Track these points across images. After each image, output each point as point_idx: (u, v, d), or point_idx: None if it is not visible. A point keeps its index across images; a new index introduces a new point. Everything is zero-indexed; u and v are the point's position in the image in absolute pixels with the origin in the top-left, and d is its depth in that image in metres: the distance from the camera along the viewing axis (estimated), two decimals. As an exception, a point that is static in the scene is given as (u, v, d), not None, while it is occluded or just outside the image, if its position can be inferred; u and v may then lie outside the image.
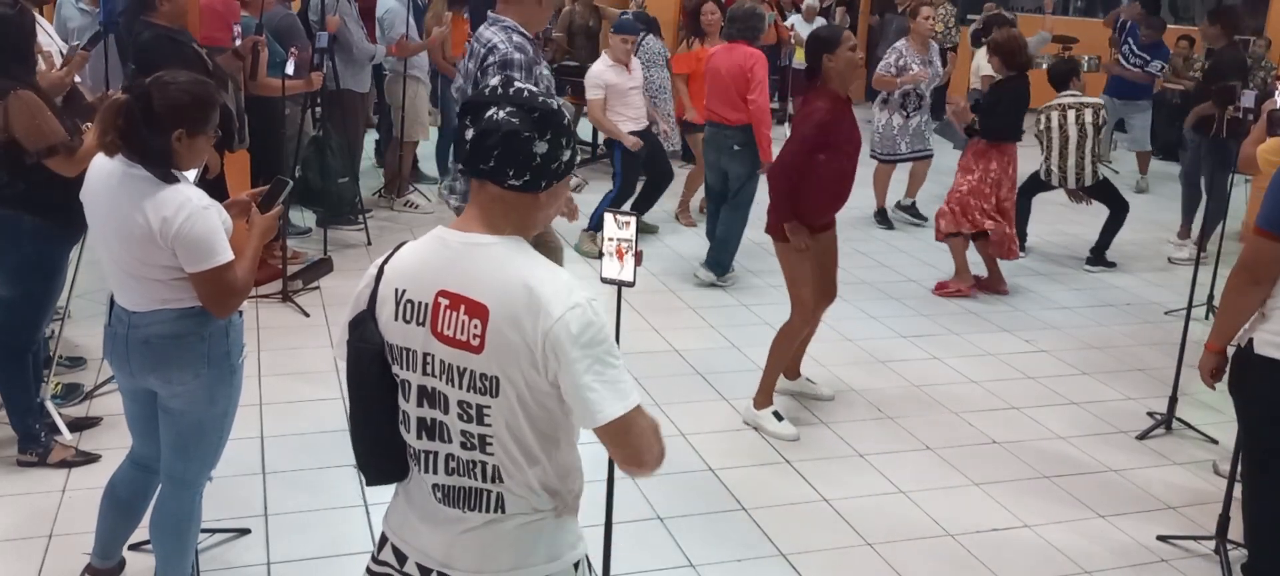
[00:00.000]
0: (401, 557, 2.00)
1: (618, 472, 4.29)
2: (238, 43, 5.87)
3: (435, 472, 1.92)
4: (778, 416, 4.63)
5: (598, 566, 3.58)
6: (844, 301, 6.35)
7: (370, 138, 8.81)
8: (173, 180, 2.77)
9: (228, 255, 2.79)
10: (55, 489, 3.85)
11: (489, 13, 4.24)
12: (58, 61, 4.52)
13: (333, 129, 6.73)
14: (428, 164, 8.86)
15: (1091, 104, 7.37)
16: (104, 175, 2.83)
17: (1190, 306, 4.99)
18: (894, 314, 6.33)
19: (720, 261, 6.66)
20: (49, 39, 4.79)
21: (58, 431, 4.14)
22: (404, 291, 1.89)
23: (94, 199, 2.86)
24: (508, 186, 1.84)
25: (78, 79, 4.68)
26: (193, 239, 2.73)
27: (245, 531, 3.63)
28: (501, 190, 1.85)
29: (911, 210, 8.65)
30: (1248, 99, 5.95)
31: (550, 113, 1.85)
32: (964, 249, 6.72)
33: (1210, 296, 6.48)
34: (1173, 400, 4.86)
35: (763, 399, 4.66)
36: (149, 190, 2.74)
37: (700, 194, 8.30)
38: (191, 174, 3.02)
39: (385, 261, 1.97)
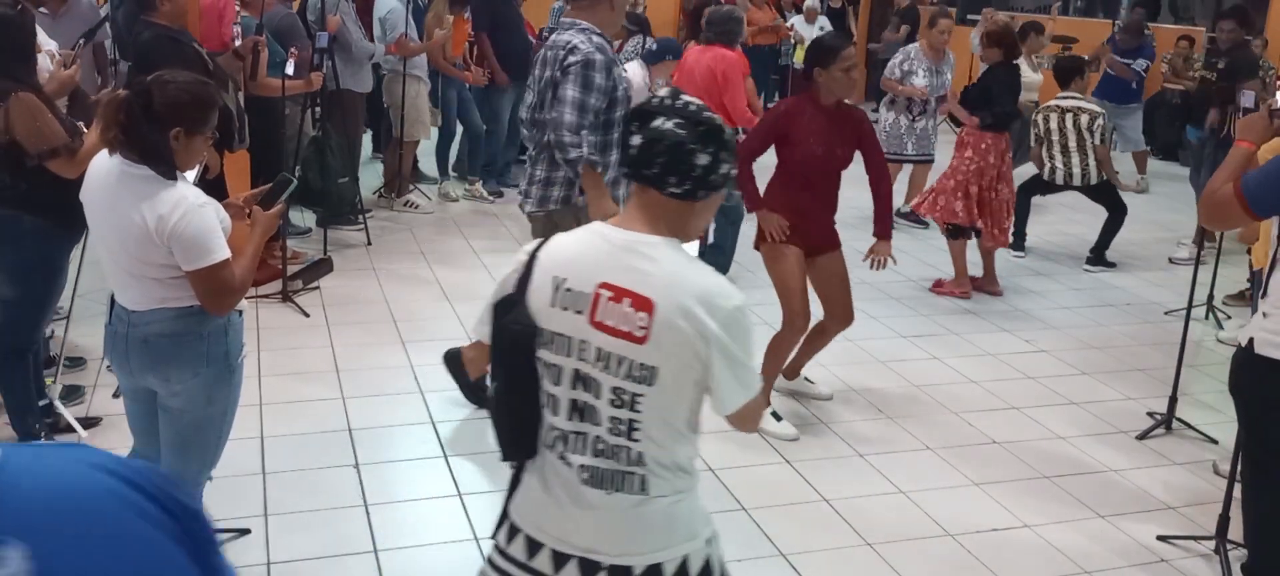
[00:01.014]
0: (534, 549, 2.07)
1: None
2: (238, 43, 5.86)
3: (583, 454, 2.01)
4: (777, 417, 4.63)
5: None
6: (844, 301, 6.37)
7: (368, 137, 8.82)
8: (171, 178, 2.78)
9: (224, 253, 2.79)
10: (55, 489, 3.84)
11: (561, 18, 4.27)
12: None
13: (333, 129, 6.73)
14: (426, 162, 8.86)
15: (1088, 109, 7.37)
16: (103, 174, 2.84)
17: (1190, 306, 4.99)
18: (894, 314, 6.32)
19: (716, 264, 6.65)
20: (47, 40, 4.78)
21: (59, 431, 4.14)
22: (563, 280, 2.00)
23: (93, 198, 2.87)
24: (668, 193, 1.99)
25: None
26: (189, 237, 2.73)
27: (245, 531, 3.63)
28: (662, 197, 1.99)
29: (911, 215, 8.65)
30: (1247, 99, 5.95)
31: (716, 127, 1.99)
32: (964, 252, 6.71)
33: (1210, 296, 6.49)
34: (1172, 400, 4.86)
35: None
36: (146, 189, 2.75)
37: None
38: (191, 173, 3.02)
39: (537, 249, 2.09)
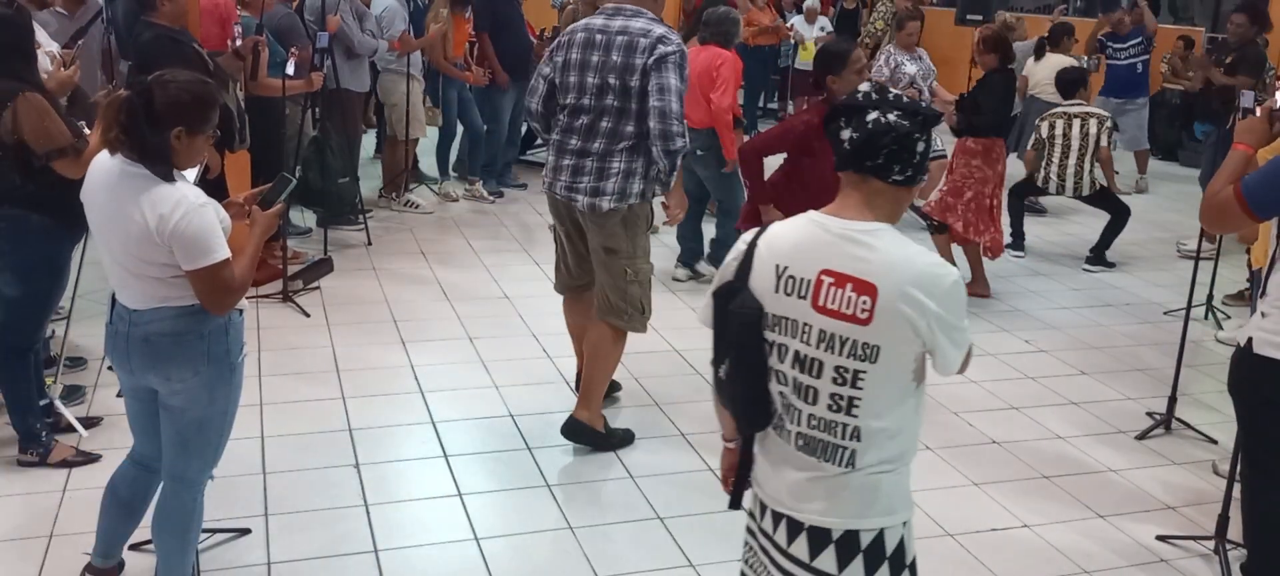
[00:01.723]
0: (763, 509, 2.30)
1: (620, 472, 4.33)
2: (238, 43, 5.87)
3: (799, 425, 2.18)
4: (777, 416, 4.63)
5: (601, 564, 3.60)
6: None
7: (369, 136, 8.82)
8: (171, 178, 2.79)
9: (224, 253, 2.80)
10: (56, 488, 3.85)
11: (607, 5, 4.16)
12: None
13: (333, 129, 6.73)
14: (426, 162, 8.87)
15: (1097, 114, 7.39)
16: (103, 174, 2.85)
17: (1190, 306, 4.99)
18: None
19: (718, 258, 6.68)
20: (47, 39, 4.79)
21: (59, 430, 4.15)
22: (785, 267, 2.16)
23: (93, 198, 2.88)
24: (891, 181, 2.13)
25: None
26: (189, 236, 2.74)
27: (245, 531, 3.63)
28: (884, 184, 2.14)
29: (921, 212, 8.66)
30: (1247, 99, 5.95)
31: (931, 115, 2.16)
32: (948, 248, 6.67)
33: (1209, 296, 6.49)
34: (1172, 400, 4.86)
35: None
36: (147, 188, 2.76)
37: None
38: (191, 173, 3.02)
39: (755, 238, 2.24)
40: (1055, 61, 9.02)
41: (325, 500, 3.89)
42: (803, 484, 2.19)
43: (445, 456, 4.28)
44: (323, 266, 6.41)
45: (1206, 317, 6.44)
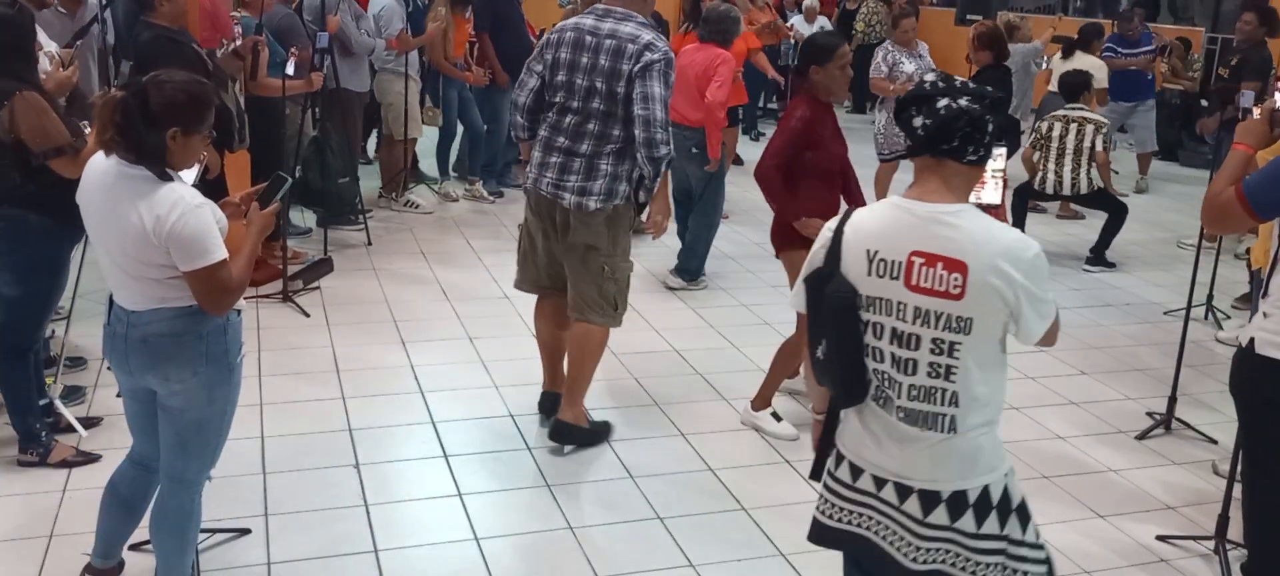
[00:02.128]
0: (856, 472, 2.45)
1: (620, 472, 4.32)
2: (237, 43, 5.87)
3: (900, 398, 2.34)
4: (776, 417, 4.63)
5: (601, 564, 3.59)
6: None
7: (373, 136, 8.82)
8: (167, 179, 2.79)
9: (221, 253, 2.80)
10: (56, 489, 3.85)
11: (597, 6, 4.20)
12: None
13: (333, 129, 6.73)
14: (426, 162, 8.87)
15: (1094, 120, 7.39)
16: (99, 175, 2.84)
17: (1189, 306, 4.99)
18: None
19: (687, 267, 6.61)
20: (47, 39, 4.79)
21: (59, 430, 4.14)
22: (876, 251, 2.32)
23: (89, 199, 2.87)
24: (966, 161, 2.31)
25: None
26: (186, 237, 2.74)
27: (245, 531, 3.63)
28: (959, 165, 2.31)
29: None
30: (1246, 99, 5.95)
31: (998, 99, 2.33)
32: None
33: (1209, 296, 6.49)
34: (1172, 400, 4.86)
35: (760, 402, 4.66)
36: (143, 189, 2.75)
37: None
38: (189, 174, 3.02)
39: (841, 226, 2.40)
40: (1086, 63, 9.00)
41: (325, 500, 3.88)
42: (909, 454, 2.36)
43: (445, 456, 4.28)
44: (323, 266, 6.41)
45: (1206, 317, 6.44)
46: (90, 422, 4.28)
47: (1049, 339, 2.35)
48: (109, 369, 4.60)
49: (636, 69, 4.01)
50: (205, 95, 2.86)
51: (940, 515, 2.35)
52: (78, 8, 5.66)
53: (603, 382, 5.07)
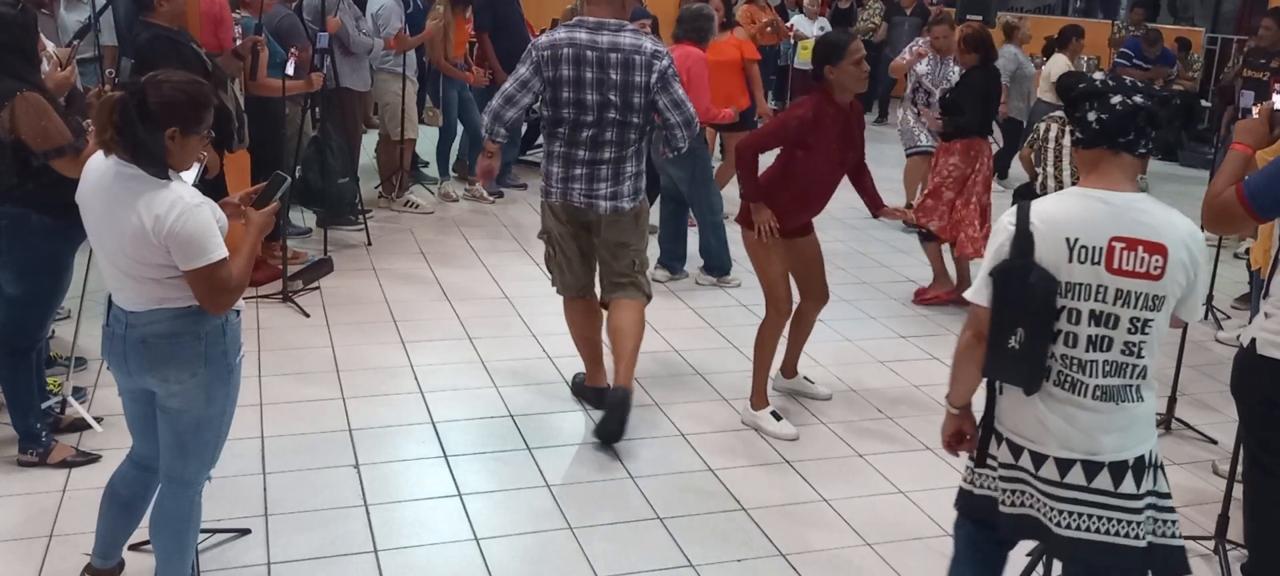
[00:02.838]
0: (1017, 451, 2.64)
1: (620, 472, 4.33)
2: (237, 43, 5.87)
3: (1095, 376, 2.54)
4: (776, 416, 4.63)
5: (601, 564, 3.59)
6: (845, 302, 6.37)
7: (370, 135, 8.81)
8: (166, 179, 2.79)
9: (221, 252, 2.80)
10: (55, 489, 3.85)
11: (578, 18, 4.36)
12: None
13: (333, 129, 6.73)
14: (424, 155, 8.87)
15: None
16: (98, 176, 2.84)
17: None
18: (894, 314, 6.33)
19: (715, 265, 6.66)
20: (46, 40, 4.79)
21: (59, 431, 4.14)
22: (1077, 239, 2.50)
23: (89, 200, 2.87)
24: (1138, 154, 2.55)
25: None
26: (185, 236, 2.74)
27: (245, 531, 3.63)
28: (1134, 157, 2.55)
29: (912, 221, 8.70)
30: (1246, 99, 5.94)
31: (1166, 97, 2.57)
32: (938, 254, 6.63)
33: (1209, 296, 6.49)
34: (1172, 400, 4.86)
35: (758, 399, 4.67)
36: (142, 189, 2.75)
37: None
38: (189, 174, 3.02)
39: (1023, 219, 2.55)
40: (1061, 63, 9.02)
41: (325, 500, 3.88)
42: (1103, 426, 2.54)
43: (445, 456, 4.28)
44: (323, 266, 6.41)
45: (1206, 318, 6.44)
46: (86, 424, 4.27)
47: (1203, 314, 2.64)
48: (109, 369, 4.62)
49: (655, 81, 4.28)
50: (203, 95, 2.86)
51: (1128, 484, 2.54)
52: (55, 7, 5.63)
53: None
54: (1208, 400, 5.23)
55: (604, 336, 4.70)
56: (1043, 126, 7.48)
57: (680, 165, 6.43)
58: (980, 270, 2.63)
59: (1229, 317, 6.47)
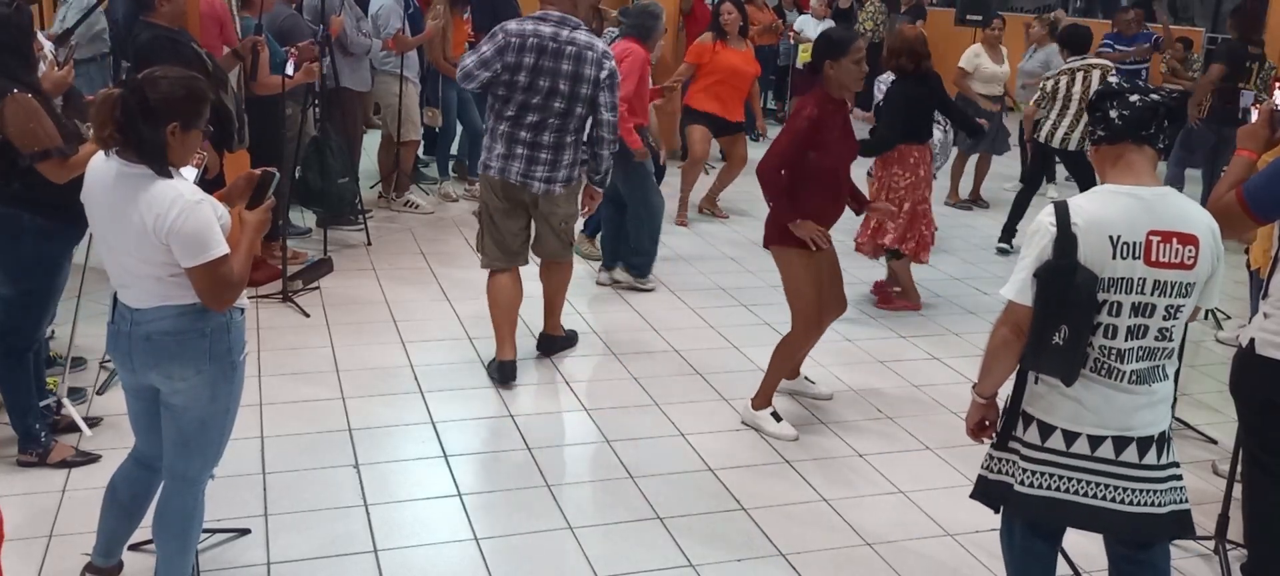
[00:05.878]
0: (1047, 431, 2.77)
1: (620, 472, 4.32)
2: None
3: (1132, 362, 2.70)
4: (776, 416, 4.63)
5: (601, 564, 3.60)
6: (844, 301, 6.36)
7: (373, 136, 8.81)
8: (167, 176, 2.80)
9: (222, 249, 2.81)
10: (55, 489, 3.85)
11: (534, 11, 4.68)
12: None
13: (333, 129, 6.72)
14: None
15: (1100, 65, 7.49)
16: (101, 175, 2.86)
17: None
18: (893, 314, 6.32)
19: (634, 264, 6.47)
20: (45, 40, 4.78)
21: (59, 431, 4.14)
22: (1119, 236, 2.62)
23: (93, 199, 2.89)
24: (1156, 148, 2.70)
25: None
26: (187, 233, 2.75)
27: (245, 531, 3.63)
28: (1155, 151, 2.70)
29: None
30: (1245, 99, 5.95)
31: (1179, 100, 2.56)
32: (907, 269, 6.43)
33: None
34: (1172, 400, 4.84)
35: (761, 401, 4.66)
36: (144, 187, 2.77)
37: (700, 191, 8.31)
38: (190, 172, 3.03)
39: (1063, 219, 2.63)
40: (1042, 57, 9.21)
41: (325, 500, 3.89)
42: (1136, 406, 2.71)
43: (445, 456, 4.28)
44: (322, 266, 6.41)
45: (1206, 318, 6.43)
46: (91, 423, 4.27)
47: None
48: (105, 365, 4.61)
49: (603, 77, 4.70)
50: (200, 89, 2.88)
51: (1151, 456, 2.72)
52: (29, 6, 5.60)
53: (603, 382, 5.08)
54: (1208, 400, 5.23)
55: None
56: (1051, 81, 7.56)
57: (615, 166, 6.20)
58: (1018, 269, 2.71)
59: (1229, 317, 6.46)
